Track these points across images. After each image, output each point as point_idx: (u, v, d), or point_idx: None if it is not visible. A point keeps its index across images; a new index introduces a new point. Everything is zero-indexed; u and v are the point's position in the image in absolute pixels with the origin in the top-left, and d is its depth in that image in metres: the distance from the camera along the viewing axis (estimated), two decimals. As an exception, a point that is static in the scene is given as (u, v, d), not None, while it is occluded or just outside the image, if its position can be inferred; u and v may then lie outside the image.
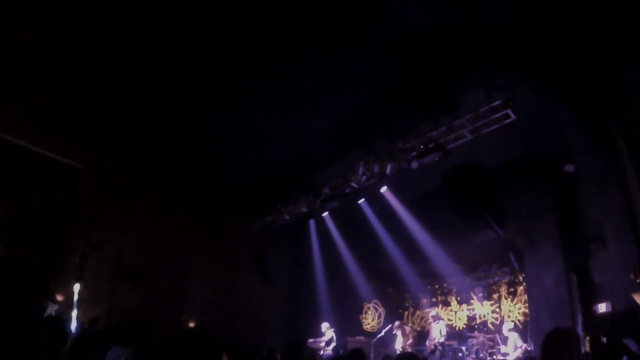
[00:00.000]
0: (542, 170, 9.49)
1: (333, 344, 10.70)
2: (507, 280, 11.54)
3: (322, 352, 10.28)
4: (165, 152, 10.86)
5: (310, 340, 11.02)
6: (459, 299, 12.55)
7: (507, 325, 9.42)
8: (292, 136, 10.08)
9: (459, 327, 12.16)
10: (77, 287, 9.26)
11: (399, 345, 10.45)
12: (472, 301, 12.13)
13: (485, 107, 7.76)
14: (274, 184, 11.67)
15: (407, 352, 7.58)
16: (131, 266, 10.94)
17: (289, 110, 9.17)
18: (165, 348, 1.84)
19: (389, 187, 10.28)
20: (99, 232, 10.41)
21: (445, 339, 10.06)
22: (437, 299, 13.03)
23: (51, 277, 9.60)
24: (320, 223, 12.57)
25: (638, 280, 6.12)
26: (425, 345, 10.55)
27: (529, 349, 9.03)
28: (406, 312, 13.66)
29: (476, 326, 11.64)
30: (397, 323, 10.84)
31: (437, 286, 13.04)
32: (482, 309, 11.84)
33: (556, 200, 9.24)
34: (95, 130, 10.05)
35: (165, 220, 11.85)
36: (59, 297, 9.47)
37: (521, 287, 11.07)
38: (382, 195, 10.58)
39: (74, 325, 8.29)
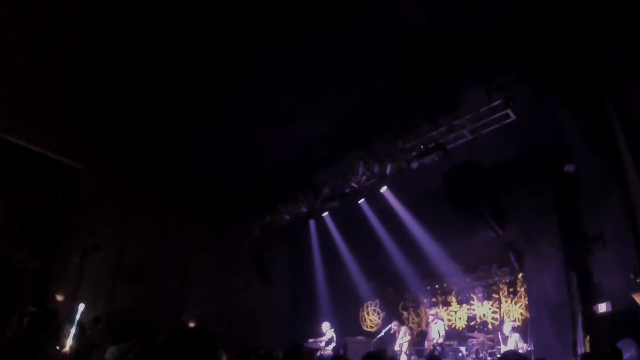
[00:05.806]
0: (542, 170, 9.50)
1: (333, 344, 10.70)
2: (507, 280, 11.53)
3: (322, 352, 10.28)
4: (165, 152, 10.86)
5: (310, 340, 11.01)
6: (459, 298, 12.54)
7: (507, 326, 9.42)
8: (292, 136, 10.08)
9: (459, 327, 12.15)
10: (81, 307, 9.33)
11: (398, 345, 10.44)
12: (472, 301, 12.12)
13: (485, 107, 7.78)
14: (274, 184, 11.67)
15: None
16: (131, 266, 10.94)
17: (289, 110, 9.17)
18: (166, 348, 1.85)
19: (389, 187, 10.27)
20: (99, 232, 10.42)
21: (445, 339, 10.05)
22: (437, 299, 13.02)
23: (51, 277, 9.60)
24: (320, 223, 12.54)
25: (638, 280, 6.12)
26: (424, 346, 10.54)
27: (529, 349, 9.02)
28: (406, 312, 13.65)
29: (476, 326, 11.63)
30: (395, 323, 10.81)
31: (437, 286, 13.02)
32: (482, 309, 11.84)
33: (556, 200, 9.25)
34: (95, 130, 10.05)
35: (165, 220, 11.84)
36: (59, 297, 9.48)
37: (521, 287, 11.06)
38: (382, 195, 10.56)
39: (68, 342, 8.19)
